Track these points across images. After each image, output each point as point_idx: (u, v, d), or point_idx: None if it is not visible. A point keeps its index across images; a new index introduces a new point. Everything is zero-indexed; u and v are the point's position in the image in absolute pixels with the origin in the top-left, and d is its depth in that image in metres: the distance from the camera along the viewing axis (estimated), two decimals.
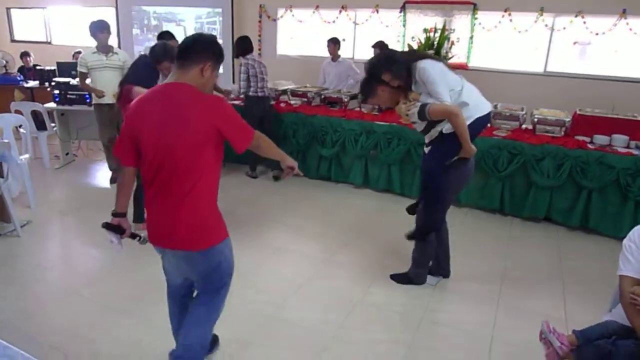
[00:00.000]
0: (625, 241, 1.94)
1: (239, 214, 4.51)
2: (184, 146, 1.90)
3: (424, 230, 3.21)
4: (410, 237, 3.29)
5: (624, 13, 5.71)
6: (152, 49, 3.63)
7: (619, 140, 4.28)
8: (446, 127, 2.90)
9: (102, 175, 5.61)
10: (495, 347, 2.70)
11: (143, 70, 3.66)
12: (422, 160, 3.26)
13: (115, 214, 2.17)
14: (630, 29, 5.71)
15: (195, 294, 2.29)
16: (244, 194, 5.11)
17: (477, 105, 2.94)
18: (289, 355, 2.59)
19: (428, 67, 2.83)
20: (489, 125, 3.18)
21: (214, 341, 2.58)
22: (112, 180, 5.31)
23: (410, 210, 3.31)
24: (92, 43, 5.02)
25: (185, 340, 2.21)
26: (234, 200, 4.88)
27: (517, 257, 3.86)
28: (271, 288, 3.23)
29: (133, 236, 2.21)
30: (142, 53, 3.82)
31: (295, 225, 4.34)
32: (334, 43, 6.27)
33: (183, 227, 1.98)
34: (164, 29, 8.22)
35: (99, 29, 4.90)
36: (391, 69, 2.88)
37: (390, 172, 5.09)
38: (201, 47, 1.98)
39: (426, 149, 3.15)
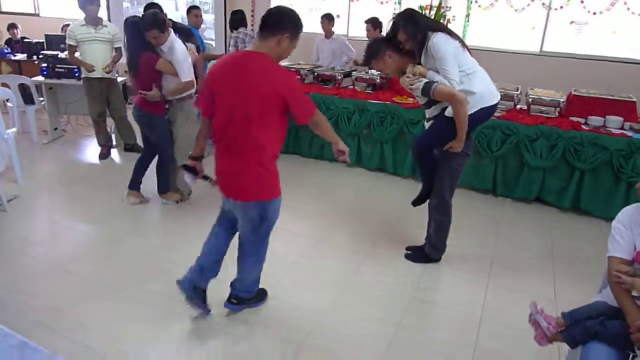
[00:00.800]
0: (613, 223, 1.93)
1: None
2: (253, 110, 2.16)
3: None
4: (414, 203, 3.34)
5: None
6: (143, 17, 3.62)
7: (613, 122, 4.26)
8: (449, 110, 2.85)
9: (91, 150, 5.53)
10: (483, 327, 2.70)
11: (141, 39, 3.62)
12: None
13: (192, 157, 2.50)
14: (628, 9, 5.64)
15: (239, 244, 2.58)
16: None
17: (484, 95, 2.87)
18: (280, 333, 2.58)
19: (440, 42, 2.74)
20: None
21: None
22: (101, 156, 5.25)
23: (416, 203, 3.33)
24: (82, 15, 4.88)
25: (241, 277, 2.64)
26: None
27: (508, 237, 3.86)
28: (264, 267, 3.21)
29: (205, 178, 2.54)
30: (128, 17, 3.78)
31: (287, 204, 4.24)
32: (328, 19, 6.15)
33: (251, 181, 2.29)
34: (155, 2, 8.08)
35: (88, 1, 4.77)
36: (409, 28, 2.80)
37: (383, 151, 5.05)
38: (279, 19, 2.19)
39: (427, 124, 3.11)
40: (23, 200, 4.04)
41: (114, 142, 5.58)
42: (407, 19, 2.83)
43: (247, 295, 2.72)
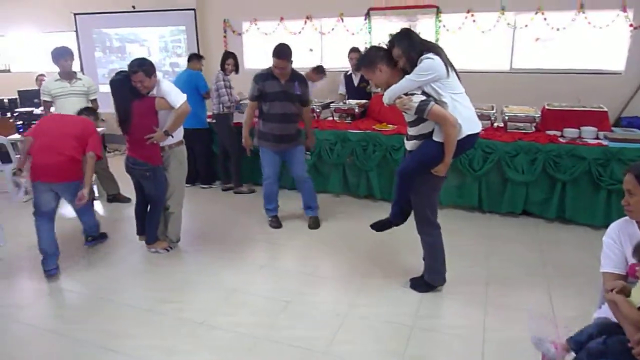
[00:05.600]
0: (604, 238, 1.96)
1: (219, 232, 4.44)
2: None
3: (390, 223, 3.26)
4: (374, 226, 3.33)
5: (581, 7, 5.86)
6: (130, 63, 3.64)
7: (588, 132, 4.38)
8: (437, 134, 2.88)
9: None
10: (487, 348, 2.69)
11: (128, 90, 3.64)
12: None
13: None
14: (589, 23, 5.86)
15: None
16: (218, 212, 5.04)
17: (470, 121, 2.91)
18: None
19: (431, 63, 2.78)
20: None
21: None
22: None
23: (375, 227, 3.31)
24: (54, 68, 4.88)
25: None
26: (211, 219, 4.80)
27: (499, 254, 3.88)
28: (258, 308, 3.16)
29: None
30: (112, 78, 3.82)
31: (277, 240, 4.28)
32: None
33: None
34: (127, 50, 8.15)
35: (62, 55, 4.76)
36: (404, 45, 2.85)
37: (369, 178, 5.09)
38: None
39: (408, 144, 3.08)
40: (7, 262, 3.94)
41: (97, 194, 5.51)
42: (403, 36, 2.89)
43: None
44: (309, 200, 4.54)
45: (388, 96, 2.94)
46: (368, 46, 6.48)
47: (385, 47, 2.99)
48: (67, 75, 4.86)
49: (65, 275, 3.74)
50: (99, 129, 5.25)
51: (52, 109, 4.91)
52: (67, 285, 3.58)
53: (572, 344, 1.88)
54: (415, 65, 2.84)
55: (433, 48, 2.89)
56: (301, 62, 6.26)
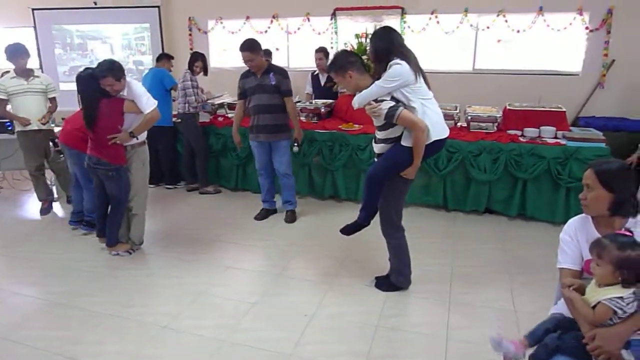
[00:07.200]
0: (561, 235, 2.01)
1: (184, 234, 4.37)
2: None
3: (358, 228, 3.23)
4: (343, 230, 3.30)
5: (540, 10, 6.02)
6: (98, 64, 3.56)
7: (547, 132, 4.51)
8: (406, 139, 2.90)
9: (30, 206, 5.26)
10: (450, 347, 2.73)
11: (96, 87, 3.54)
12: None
13: None
14: (548, 25, 6.03)
15: None
16: (183, 213, 4.97)
17: (438, 126, 2.94)
18: None
19: (399, 71, 2.81)
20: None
21: None
22: (43, 211, 4.99)
23: (345, 231, 3.29)
24: (10, 65, 4.70)
25: None
26: (176, 220, 4.73)
27: (464, 251, 3.95)
28: (224, 310, 3.13)
29: None
30: (80, 72, 3.68)
31: (243, 241, 4.24)
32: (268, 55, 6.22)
33: None
34: (89, 47, 7.92)
35: (17, 53, 4.59)
36: (376, 43, 2.94)
37: (335, 179, 5.09)
38: None
39: (376, 147, 3.09)
40: None
41: (55, 195, 5.34)
42: (381, 32, 2.98)
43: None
44: (288, 195, 4.65)
45: (358, 102, 2.97)
46: (336, 48, 6.53)
47: (354, 50, 3.02)
48: (24, 72, 4.69)
49: (23, 280, 3.61)
50: (57, 129, 5.13)
51: (8, 107, 4.71)
52: (25, 291, 3.45)
53: (529, 339, 1.93)
54: (379, 63, 2.89)
55: (403, 54, 2.89)
56: None
